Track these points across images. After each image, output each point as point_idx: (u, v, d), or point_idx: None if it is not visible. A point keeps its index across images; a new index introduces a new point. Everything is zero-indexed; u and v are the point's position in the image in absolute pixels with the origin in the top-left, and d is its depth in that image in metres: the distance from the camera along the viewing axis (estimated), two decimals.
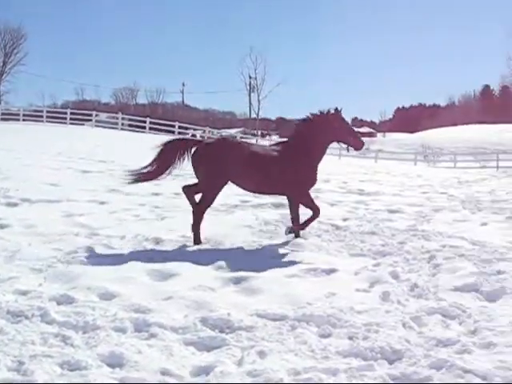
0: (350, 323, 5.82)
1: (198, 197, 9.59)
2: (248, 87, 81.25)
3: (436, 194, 20.27)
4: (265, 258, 8.52)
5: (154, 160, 9.62)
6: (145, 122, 58.07)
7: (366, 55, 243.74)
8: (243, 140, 10.12)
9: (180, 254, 8.47)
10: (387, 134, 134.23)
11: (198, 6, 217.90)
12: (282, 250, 9.11)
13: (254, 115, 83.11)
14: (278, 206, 13.74)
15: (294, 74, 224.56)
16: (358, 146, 10.22)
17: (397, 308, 6.40)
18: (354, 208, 14.65)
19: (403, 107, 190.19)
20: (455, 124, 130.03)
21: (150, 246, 9.15)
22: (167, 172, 9.68)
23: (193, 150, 9.48)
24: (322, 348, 5.21)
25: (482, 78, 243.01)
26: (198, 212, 9.38)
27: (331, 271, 7.88)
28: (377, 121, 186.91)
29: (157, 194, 14.73)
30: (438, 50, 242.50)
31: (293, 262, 8.33)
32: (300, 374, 4.67)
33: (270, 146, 10.29)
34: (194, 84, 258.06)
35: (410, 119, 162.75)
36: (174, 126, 57.70)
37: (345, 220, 12.53)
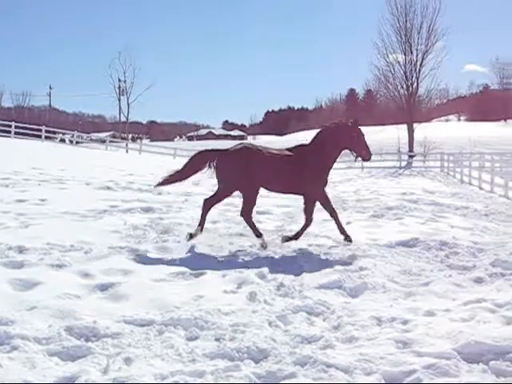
0: (217, 325, 5.86)
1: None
2: (117, 90, 79.68)
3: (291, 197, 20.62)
4: (132, 263, 8.40)
5: (184, 166, 10.61)
6: (10, 126, 55.77)
7: (228, 58, 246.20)
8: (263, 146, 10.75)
9: (44, 263, 8.18)
10: (257, 136, 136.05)
11: (67, 7, 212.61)
12: (150, 255, 9.00)
13: (123, 119, 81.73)
14: (147, 210, 13.61)
15: (164, 77, 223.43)
16: (366, 157, 10.82)
17: (263, 308, 6.50)
18: (224, 210, 14.70)
19: (273, 110, 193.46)
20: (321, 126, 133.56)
21: (13, 254, 8.77)
22: (191, 176, 10.78)
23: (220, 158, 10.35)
24: (189, 351, 5.21)
25: (347, 82, 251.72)
26: (247, 216, 10.52)
27: (199, 274, 7.89)
28: (247, 124, 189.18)
29: (21, 201, 14.16)
30: (305, 55, 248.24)
31: (161, 267, 8.27)
32: (167, 378, 4.65)
33: (288, 149, 10.77)
34: (62, 87, 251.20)
35: (280, 122, 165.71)
36: (40, 131, 55.78)
37: (214, 222, 12.56)
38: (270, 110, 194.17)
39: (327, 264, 8.37)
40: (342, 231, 10.57)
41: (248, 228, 11.78)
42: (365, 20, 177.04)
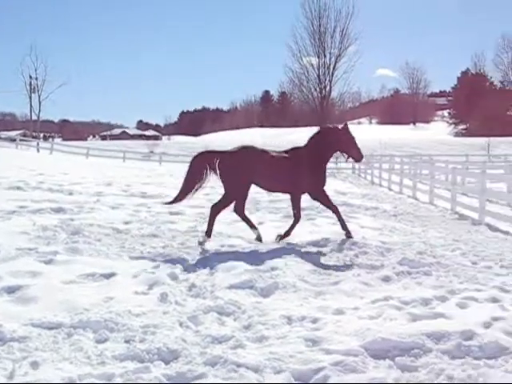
0: (127, 327, 5.80)
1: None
2: (28, 87, 77.60)
3: (218, 196, 20.58)
4: (41, 265, 8.19)
5: (188, 174, 10.85)
6: None
7: (143, 58, 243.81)
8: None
9: None
10: (172, 136, 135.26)
11: None
12: (60, 257, 8.76)
13: (35, 117, 79.66)
14: (57, 211, 13.32)
15: (78, 76, 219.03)
16: (358, 158, 11.36)
17: (174, 308, 6.48)
18: (136, 211, 14.57)
19: (188, 111, 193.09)
20: (237, 127, 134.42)
21: None
22: (202, 181, 10.81)
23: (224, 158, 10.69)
24: (98, 354, 5.14)
25: (262, 84, 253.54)
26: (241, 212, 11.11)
27: (110, 275, 7.77)
28: (162, 124, 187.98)
29: None
30: (220, 57, 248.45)
31: (71, 268, 8.08)
32: (75, 381, 4.57)
33: (285, 151, 11.23)
34: None
35: (195, 122, 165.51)
36: None
37: (126, 223, 12.42)
38: (185, 111, 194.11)
39: (239, 264, 8.39)
40: (344, 227, 11.02)
41: (161, 228, 11.74)
42: (280, 23, 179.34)
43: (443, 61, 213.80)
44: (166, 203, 11.59)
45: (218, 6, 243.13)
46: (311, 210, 15.32)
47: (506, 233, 12.89)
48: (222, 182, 10.83)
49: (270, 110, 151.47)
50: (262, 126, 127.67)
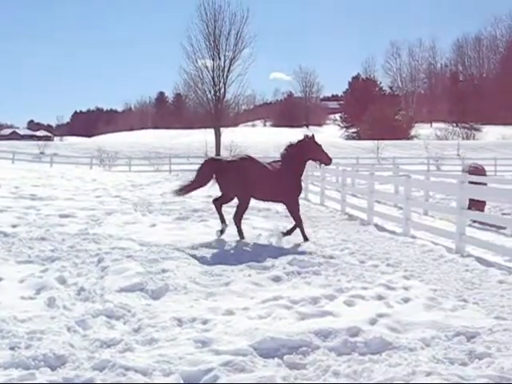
0: (12, 333, 5.63)
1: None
2: None
3: (110, 198, 20.40)
4: None
5: (197, 175, 11.69)
6: None
7: (33, 56, 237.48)
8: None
9: None
10: (64, 137, 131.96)
11: None
12: None
13: None
14: None
15: None
16: (328, 162, 12.54)
17: (62, 313, 6.34)
18: (24, 214, 14.16)
19: (81, 111, 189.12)
20: (132, 129, 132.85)
21: None
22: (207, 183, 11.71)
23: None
24: None
25: (157, 86, 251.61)
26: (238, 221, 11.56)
27: None
28: (54, 124, 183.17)
29: None
30: (115, 57, 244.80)
31: None
32: None
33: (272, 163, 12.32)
34: None
35: (88, 123, 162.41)
36: None
37: (14, 226, 12.07)
38: (78, 111, 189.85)
39: (130, 267, 8.30)
40: (304, 236, 11.78)
41: (50, 231, 11.48)
42: (175, 24, 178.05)
43: (335, 66, 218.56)
44: (174, 194, 12.14)
45: (111, 5, 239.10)
46: (204, 212, 15.37)
47: (393, 232, 13.33)
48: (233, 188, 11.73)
49: (165, 112, 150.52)
50: (156, 128, 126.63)
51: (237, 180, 11.47)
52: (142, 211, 15.89)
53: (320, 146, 12.36)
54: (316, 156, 12.37)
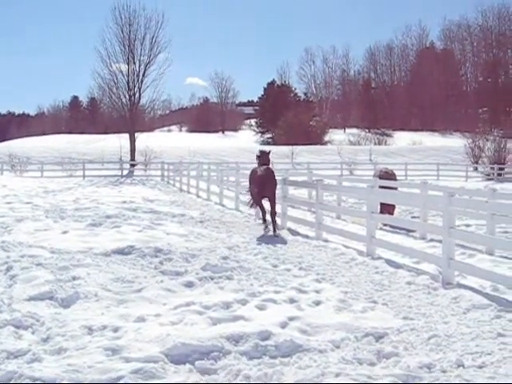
0: None
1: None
2: None
3: (21, 204, 19.90)
4: None
5: (250, 184, 15.06)
6: None
7: None
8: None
9: None
10: None
11: None
12: None
13: None
14: None
15: None
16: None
17: None
18: None
19: None
20: (45, 133, 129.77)
21: None
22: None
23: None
24: None
25: (71, 89, 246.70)
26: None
27: None
28: None
29: None
30: (26, 60, 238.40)
31: None
32: None
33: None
34: None
35: None
36: None
37: None
38: None
39: (39, 275, 8.16)
40: (274, 229, 13.95)
41: None
42: (89, 26, 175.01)
43: (251, 71, 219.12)
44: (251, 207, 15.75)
45: (25, 8, 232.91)
46: (117, 218, 15.20)
47: (306, 236, 13.52)
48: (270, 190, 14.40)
49: (79, 116, 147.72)
50: (70, 133, 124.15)
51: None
52: (53, 218, 15.57)
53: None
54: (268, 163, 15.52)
